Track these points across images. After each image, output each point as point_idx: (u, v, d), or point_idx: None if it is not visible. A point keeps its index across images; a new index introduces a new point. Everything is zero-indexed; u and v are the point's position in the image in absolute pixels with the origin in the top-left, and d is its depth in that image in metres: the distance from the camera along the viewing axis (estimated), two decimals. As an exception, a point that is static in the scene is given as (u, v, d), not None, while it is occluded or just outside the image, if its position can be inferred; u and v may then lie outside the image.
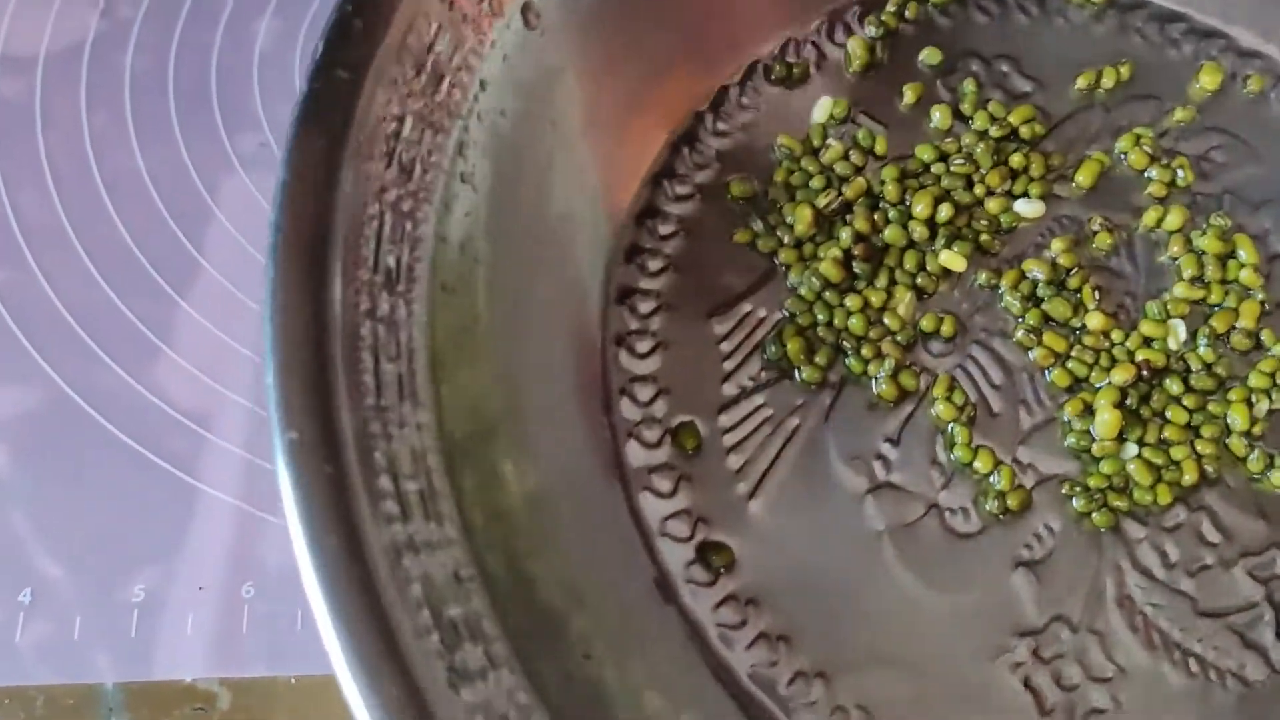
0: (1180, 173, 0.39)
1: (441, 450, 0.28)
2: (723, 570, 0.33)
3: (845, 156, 0.38)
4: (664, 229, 0.37)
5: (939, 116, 0.39)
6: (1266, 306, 0.38)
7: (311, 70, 0.29)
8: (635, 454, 0.35)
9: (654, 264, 0.37)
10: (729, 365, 0.36)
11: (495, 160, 0.33)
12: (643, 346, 0.36)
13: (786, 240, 0.37)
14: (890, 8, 0.41)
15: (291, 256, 0.27)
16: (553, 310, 0.35)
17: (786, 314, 0.37)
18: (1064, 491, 0.35)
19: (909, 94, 0.40)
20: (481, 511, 0.28)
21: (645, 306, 0.36)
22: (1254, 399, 0.36)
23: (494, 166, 0.33)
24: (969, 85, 0.40)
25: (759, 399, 0.36)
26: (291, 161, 0.28)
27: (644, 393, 0.35)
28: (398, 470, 0.26)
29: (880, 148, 0.39)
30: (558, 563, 0.31)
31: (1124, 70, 0.40)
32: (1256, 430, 0.36)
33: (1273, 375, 0.37)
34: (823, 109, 0.39)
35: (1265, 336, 0.37)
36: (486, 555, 0.28)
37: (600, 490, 0.34)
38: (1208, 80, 0.41)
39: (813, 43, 0.41)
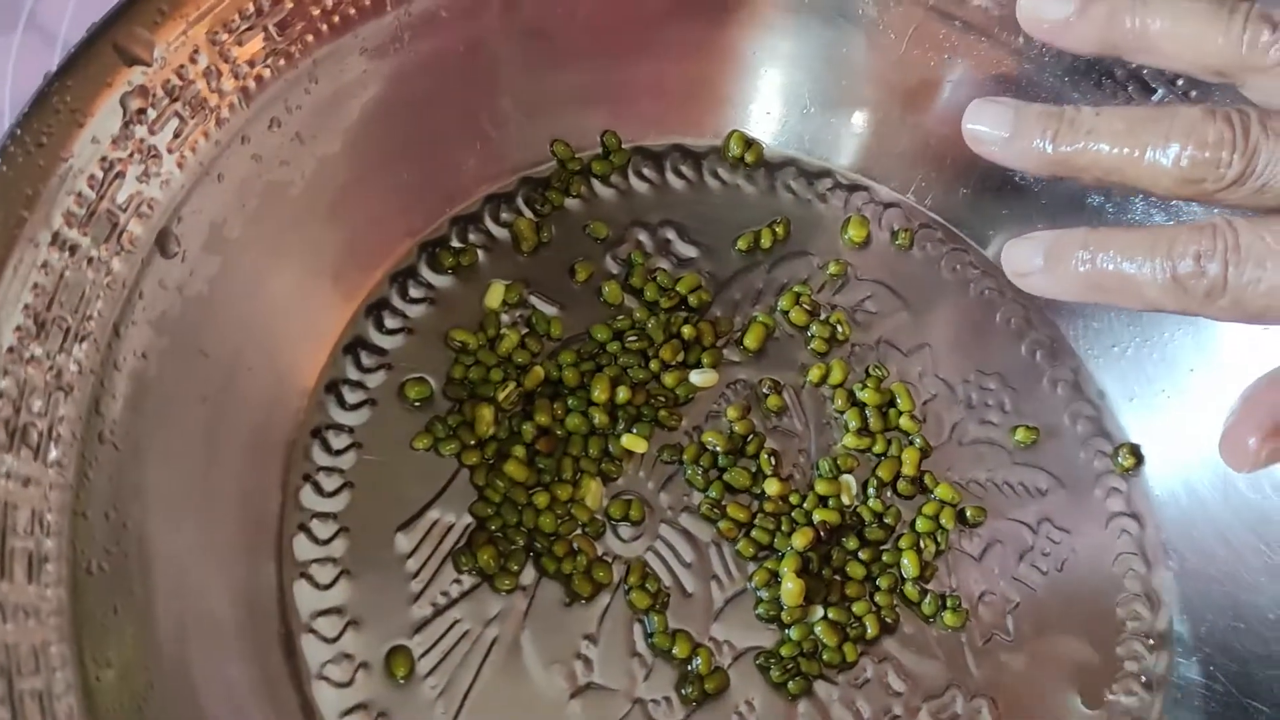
0: (839, 328, 0.43)
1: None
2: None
3: (521, 344, 0.39)
4: (338, 443, 0.37)
5: (609, 291, 0.41)
6: (925, 451, 0.41)
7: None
8: (325, 698, 0.34)
9: (329, 483, 0.37)
10: (419, 582, 0.36)
11: (139, 409, 0.32)
12: (325, 576, 0.35)
13: (468, 441, 0.38)
14: (555, 183, 0.42)
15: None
16: (220, 555, 0.34)
17: (474, 520, 0.37)
18: (758, 662, 0.37)
19: (580, 272, 0.42)
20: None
21: (323, 531, 0.36)
22: (922, 544, 0.40)
23: (139, 416, 0.32)
24: (636, 257, 0.42)
25: (454, 614, 0.36)
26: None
27: (330, 627, 0.35)
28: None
29: (556, 330, 0.40)
30: None
31: (779, 229, 0.44)
32: (927, 574, 0.40)
33: (936, 518, 0.41)
34: (495, 295, 0.40)
35: (927, 480, 0.41)
36: None
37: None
38: (855, 233, 0.45)
39: (479, 223, 0.41)
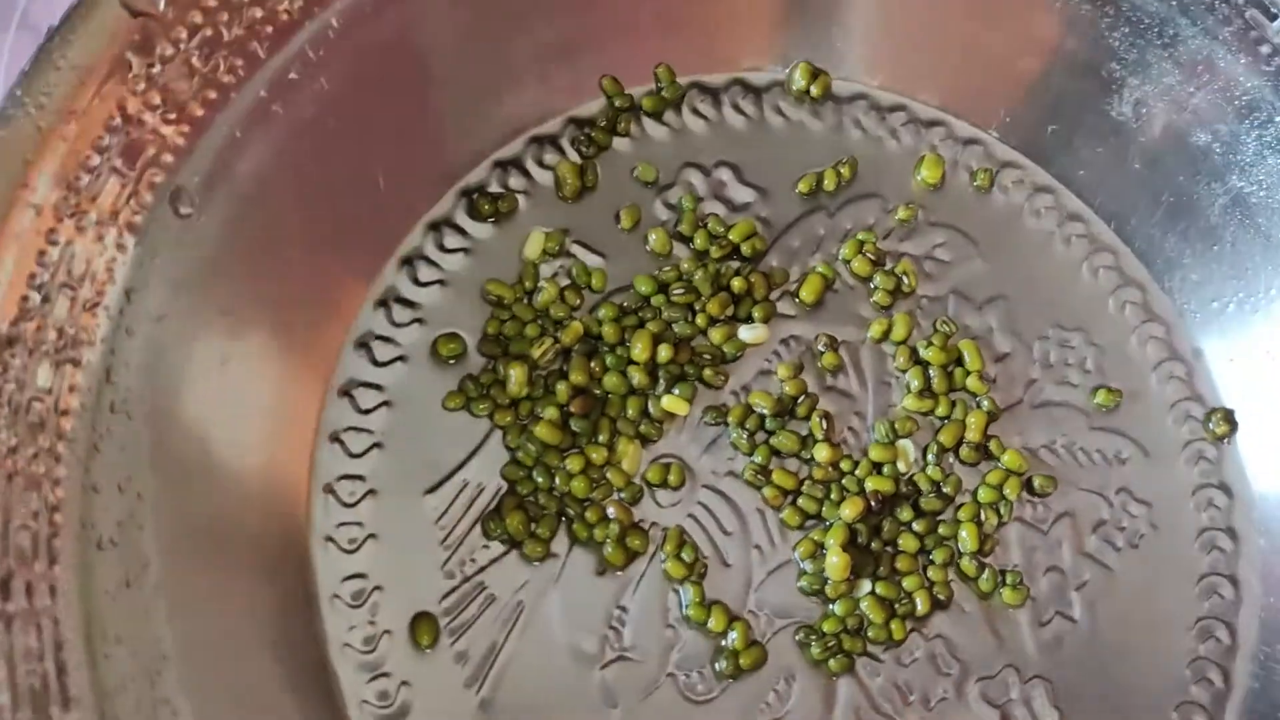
0: (904, 278, 0.40)
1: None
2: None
3: (560, 297, 0.37)
4: (367, 401, 0.36)
5: (656, 239, 0.39)
6: (993, 414, 0.39)
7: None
8: (348, 665, 0.34)
9: (357, 444, 0.36)
10: (448, 547, 0.35)
11: (154, 375, 0.32)
12: (350, 540, 0.35)
13: (501, 401, 0.36)
14: (601, 122, 0.40)
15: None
16: (241, 522, 0.33)
17: (505, 483, 0.36)
18: (799, 638, 0.36)
19: (625, 218, 0.39)
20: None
21: (350, 494, 0.35)
22: (983, 515, 0.38)
23: (154, 382, 0.32)
24: (686, 201, 0.40)
25: (481, 581, 0.35)
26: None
27: (355, 593, 0.34)
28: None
29: (597, 282, 0.38)
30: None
31: (845, 170, 0.41)
32: (986, 548, 0.37)
33: (1000, 487, 0.38)
34: (535, 245, 0.38)
35: (993, 446, 0.39)
36: None
37: (304, 710, 0.33)
38: (929, 173, 0.41)
39: (521, 167, 0.39)
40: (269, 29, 0.33)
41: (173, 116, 0.31)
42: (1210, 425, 0.41)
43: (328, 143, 0.36)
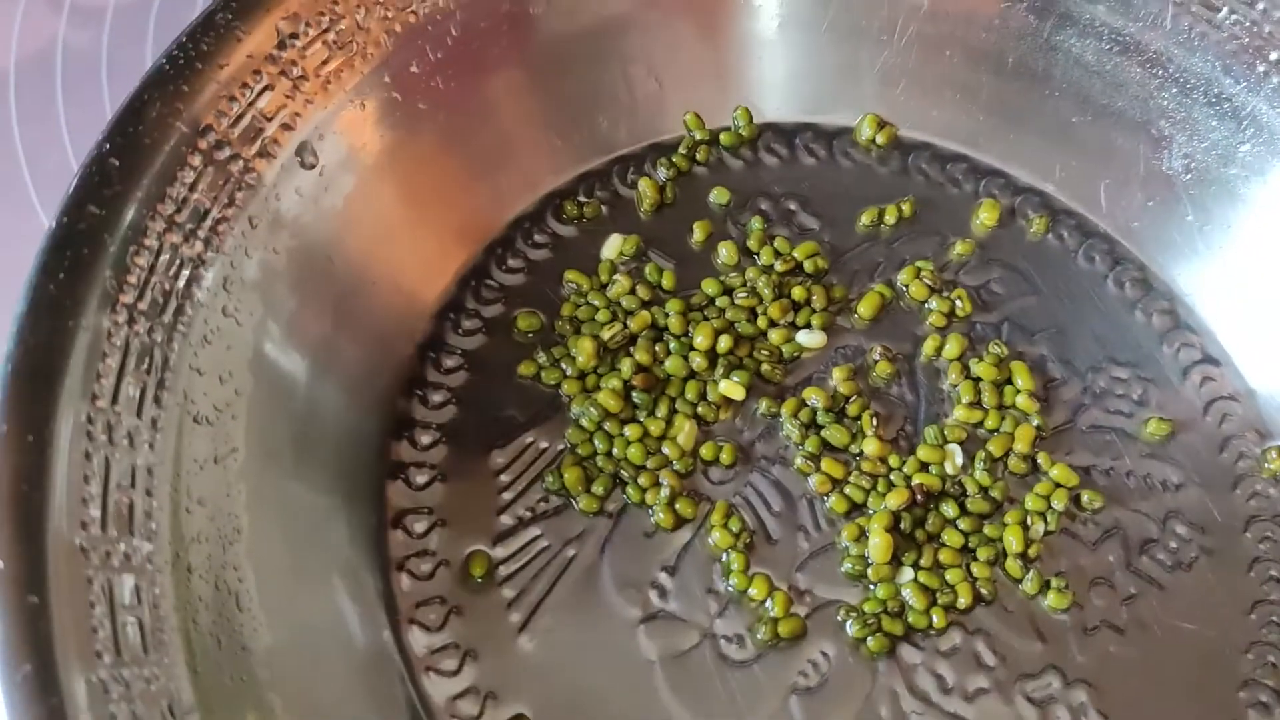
0: (959, 303, 0.42)
1: (174, 582, 0.29)
2: None
3: (632, 291, 0.41)
4: (448, 362, 0.40)
5: (725, 252, 0.42)
6: (1043, 432, 0.40)
7: (63, 204, 0.31)
8: (404, 586, 0.36)
9: (436, 397, 0.39)
10: (507, 496, 0.38)
11: (265, 295, 0.35)
12: (420, 478, 0.37)
13: (570, 372, 0.39)
14: (681, 150, 0.44)
15: (19, 387, 0.28)
16: (322, 444, 0.36)
17: (567, 445, 0.38)
18: (839, 617, 0.36)
19: (698, 231, 0.43)
20: (217, 642, 0.29)
21: (425, 439, 0.38)
22: (1029, 521, 0.39)
23: (264, 301, 0.35)
24: (756, 222, 0.43)
25: (536, 530, 0.38)
26: (33, 292, 0.29)
27: (419, 525, 0.37)
28: (116, 602, 0.27)
29: (668, 283, 0.42)
30: (305, 697, 0.31)
31: (906, 207, 0.44)
32: (1032, 552, 0.38)
33: (1048, 498, 0.39)
34: (613, 246, 0.42)
35: (1041, 460, 0.40)
36: (213, 690, 0.28)
37: (361, 622, 0.34)
38: (987, 216, 0.44)
39: (606, 181, 0.43)
40: (399, 27, 0.39)
41: (308, 81, 0.37)
42: (1266, 462, 0.41)
43: (437, 137, 0.41)
